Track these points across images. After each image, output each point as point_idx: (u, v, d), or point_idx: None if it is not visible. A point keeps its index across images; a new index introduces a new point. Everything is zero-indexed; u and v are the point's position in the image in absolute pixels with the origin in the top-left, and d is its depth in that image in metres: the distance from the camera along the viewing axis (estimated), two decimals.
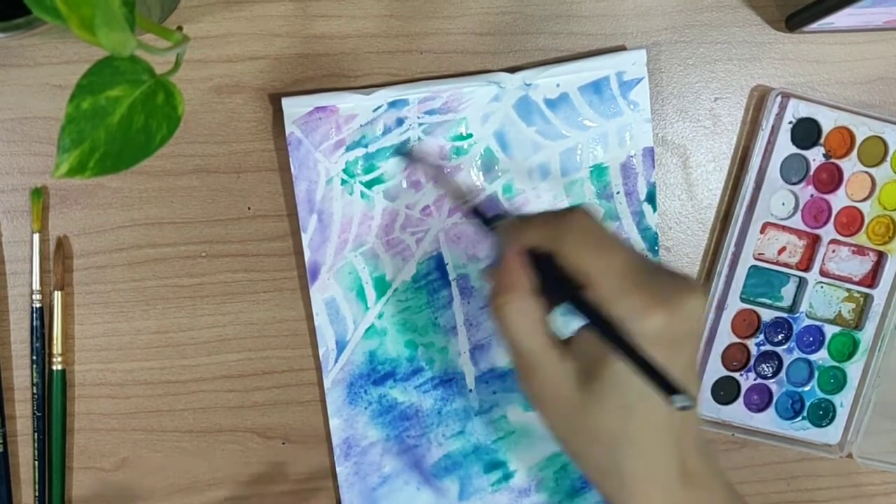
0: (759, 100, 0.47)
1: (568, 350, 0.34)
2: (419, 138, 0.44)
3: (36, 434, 0.45)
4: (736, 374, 0.48)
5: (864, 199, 0.47)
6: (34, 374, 0.45)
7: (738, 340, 0.48)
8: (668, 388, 0.28)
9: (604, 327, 0.31)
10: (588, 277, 0.32)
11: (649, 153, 0.46)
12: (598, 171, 0.46)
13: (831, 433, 0.49)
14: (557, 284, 0.33)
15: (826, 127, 0.46)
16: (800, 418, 0.48)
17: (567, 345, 0.34)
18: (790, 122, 0.46)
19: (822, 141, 0.46)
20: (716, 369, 0.48)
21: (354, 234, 0.45)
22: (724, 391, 0.48)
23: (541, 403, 0.35)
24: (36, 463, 0.45)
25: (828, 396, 0.48)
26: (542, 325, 0.34)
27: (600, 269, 0.32)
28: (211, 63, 0.44)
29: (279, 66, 0.44)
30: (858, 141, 0.46)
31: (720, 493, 0.35)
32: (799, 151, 0.46)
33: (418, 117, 0.44)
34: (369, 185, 0.45)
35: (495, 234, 0.37)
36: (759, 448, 0.49)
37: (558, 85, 0.45)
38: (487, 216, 0.38)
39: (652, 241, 0.46)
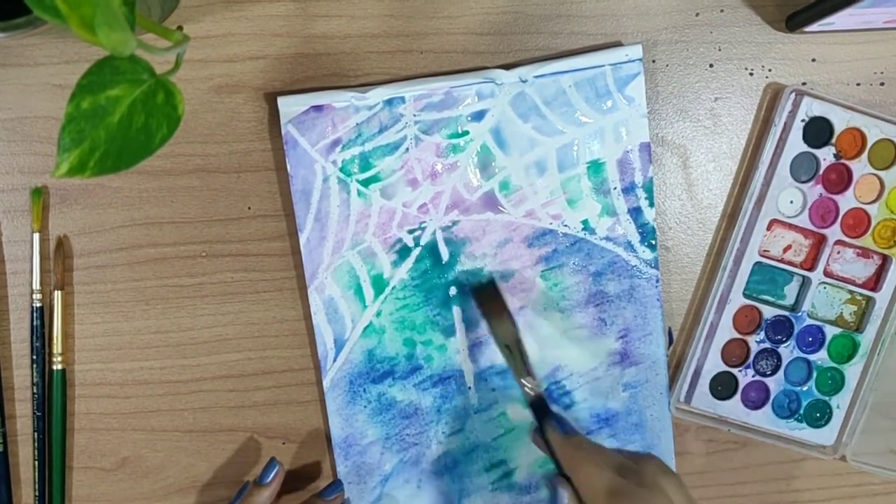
0: (772, 96, 0.47)
1: None
2: (415, 136, 0.45)
3: (36, 434, 0.45)
4: (735, 370, 0.48)
5: (872, 202, 0.47)
6: (34, 374, 0.45)
7: (739, 336, 0.48)
8: None
9: None
10: None
11: (646, 148, 0.46)
12: (595, 166, 0.46)
13: (826, 434, 0.48)
14: None
15: (838, 127, 0.46)
16: (795, 418, 0.48)
17: None
18: (803, 120, 0.46)
19: (833, 141, 0.46)
20: (715, 364, 0.48)
21: (352, 232, 0.45)
22: (723, 387, 0.48)
23: None
24: (36, 462, 0.45)
25: (825, 397, 0.48)
26: None
27: None
28: (211, 63, 0.44)
29: (279, 65, 0.44)
30: (869, 143, 0.46)
31: None
32: (810, 150, 0.46)
33: (414, 115, 0.44)
34: (366, 183, 0.45)
35: (551, 445, 0.40)
36: (759, 448, 0.49)
37: (554, 81, 0.45)
38: (552, 420, 0.41)
39: (649, 235, 0.46)
